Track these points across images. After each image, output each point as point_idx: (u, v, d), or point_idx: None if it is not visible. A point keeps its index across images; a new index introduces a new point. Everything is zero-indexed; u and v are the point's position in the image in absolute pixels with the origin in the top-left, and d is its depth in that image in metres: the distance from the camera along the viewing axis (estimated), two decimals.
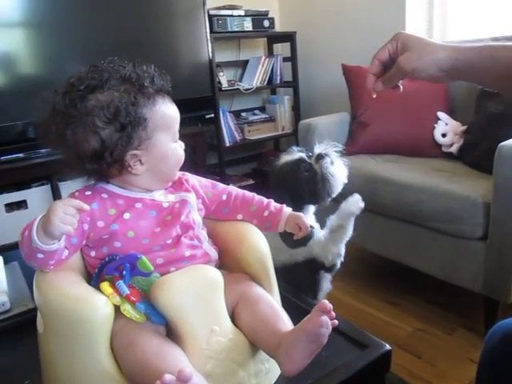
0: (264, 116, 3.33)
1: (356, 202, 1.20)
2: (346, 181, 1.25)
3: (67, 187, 2.23)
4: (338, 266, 1.25)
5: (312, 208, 1.29)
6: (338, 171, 1.23)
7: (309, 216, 1.27)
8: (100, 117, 0.71)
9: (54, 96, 0.74)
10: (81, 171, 0.78)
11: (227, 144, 3.04)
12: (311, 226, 1.16)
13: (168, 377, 0.55)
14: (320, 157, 1.23)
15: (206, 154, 2.85)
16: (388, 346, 0.83)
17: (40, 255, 0.69)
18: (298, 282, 1.20)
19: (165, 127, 0.78)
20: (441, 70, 0.73)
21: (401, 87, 0.82)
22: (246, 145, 3.25)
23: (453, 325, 1.72)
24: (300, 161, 1.24)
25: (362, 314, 1.84)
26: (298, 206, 1.20)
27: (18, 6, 2.15)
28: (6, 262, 1.23)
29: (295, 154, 1.27)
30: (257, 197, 0.92)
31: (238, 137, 3.13)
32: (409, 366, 1.53)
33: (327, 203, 1.26)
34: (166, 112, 0.78)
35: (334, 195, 1.24)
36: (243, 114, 3.33)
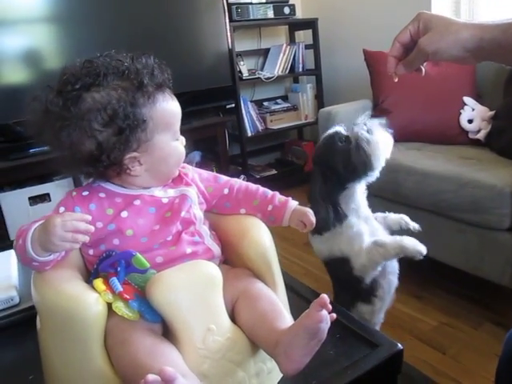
0: (286, 105, 3.28)
1: (417, 247, 1.12)
2: (388, 150, 1.15)
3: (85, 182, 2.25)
4: (367, 282, 1.16)
5: (359, 187, 1.17)
6: (377, 139, 1.12)
7: (357, 195, 1.17)
8: (97, 120, 0.68)
9: (47, 94, 0.70)
10: (77, 172, 0.75)
11: (249, 134, 3.01)
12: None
13: (151, 377, 0.52)
14: (356, 126, 1.15)
15: (227, 144, 2.82)
16: (400, 346, 0.79)
17: (35, 263, 0.68)
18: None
19: (165, 126, 0.74)
20: (465, 50, 0.69)
21: (423, 70, 0.78)
22: (269, 134, 3.22)
23: (479, 319, 1.66)
24: (336, 133, 1.15)
25: None
26: (341, 186, 1.14)
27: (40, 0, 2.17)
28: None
29: (334, 128, 1.18)
30: (261, 189, 0.87)
31: (260, 126, 3.09)
32: (432, 362, 1.48)
33: (372, 178, 1.16)
34: (167, 110, 0.74)
35: (375, 168, 1.13)
36: (265, 104, 3.29)
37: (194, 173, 0.85)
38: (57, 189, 2.25)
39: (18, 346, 0.93)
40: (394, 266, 1.21)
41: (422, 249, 1.11)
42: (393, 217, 1.24)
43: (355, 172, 1.12)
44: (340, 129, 1.16)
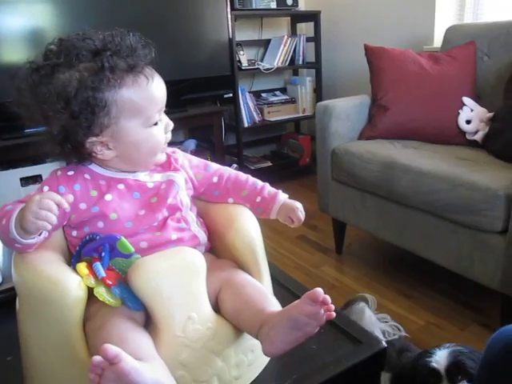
0: (285, 97, 3.25)
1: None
2: None
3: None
4: None
5: None
6: None
7: None
8: (57, 102, 0.65)
9: (22, 72, 0.68)
10: (55, 152, 0.72)
11: (246, 125, 2.99)
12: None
13: (96, 358, 0.52)
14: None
15: (223, 134, 2.80)
16: (384, 344, 0.78)
17: (17, 245, 0.67)
18: None
19: (134, 112, 0.70)
20: None
21: None
22: (265, 126, 3.19)
23: (466, 320, 1.65)
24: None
25: None
26: None
27: None
28: None
29: None
30: (251, 180, 0.85)
31: (257, 118, 3.07)
32: None
33: None
34: (136, 95, 0.69)
35: None
36: (263, 95, 3.26)
37: (184, 159, 0.83)
38: (49, 170, 2.22)
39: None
40: None
41: None
42: None
43: None
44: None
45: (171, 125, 0.77)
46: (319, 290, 0.60)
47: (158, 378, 0.56)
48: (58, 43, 0.69)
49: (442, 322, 1.66)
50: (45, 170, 2.25)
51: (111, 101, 0.67)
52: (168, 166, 0.80)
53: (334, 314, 0.61)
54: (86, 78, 0.66)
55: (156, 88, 0.72)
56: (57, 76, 0.66)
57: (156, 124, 0.73)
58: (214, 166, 0.86)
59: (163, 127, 0.75)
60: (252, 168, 3.06)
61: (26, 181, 2.25)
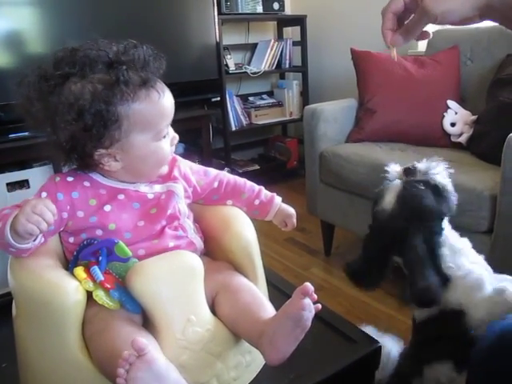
0: (272, 101, 3.27)
1: None
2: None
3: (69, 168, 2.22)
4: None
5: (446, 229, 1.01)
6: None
7: (450, 237, 1.01)
8: (68, 113, 0.65)
9: (31, 78, 0.68)
10: (58, 158, 0.73)
11: (233, 128, 3.00)
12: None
13: (126, 352, 0.54)
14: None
15: (211, 138, 2.81)
16: (378, 343, 0.79)
17: (12, 249, 0.66)
18: None
19: (145, 126, 0.70)
20: (475, 9, 0.63)
21: (430, 33, 0.71)
22: (253, 129, 3.21)
23: None
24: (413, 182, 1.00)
25: (363, 305, 1.80)
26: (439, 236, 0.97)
27: None
28: None
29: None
30: (248, 184, 0.88)
31: (244, 121, 3.08)
32: None
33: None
34: (148, 109, 0.69)
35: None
36: (251, 99, 3.28)
37: (186, 167, 0.84)
38: (36, 175, 2.21)
39: None
40: None
41: None
42: None
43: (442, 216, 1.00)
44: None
45: (177, 138, 0.77)
46: (308, 284, 0.63)
47: (180, 377, 0.59)
48: (71, 52, 0.68)
49: None
50: (32, 174, 2.23)
51: (124, 115, 0.67)
52: (168, 176, 0.79)
53: (320, 306, 0.64)
54: (99, 91, 0.65)
55: (166, 102, 0.72)
56: (68, 86, 0.65)
57: (164, 137, 0.74)
58: (213, 171, 0.87)
59: (170, 140, 0.76)
60: (240, 171, 3.06)
61: (12, 186, 2.22)
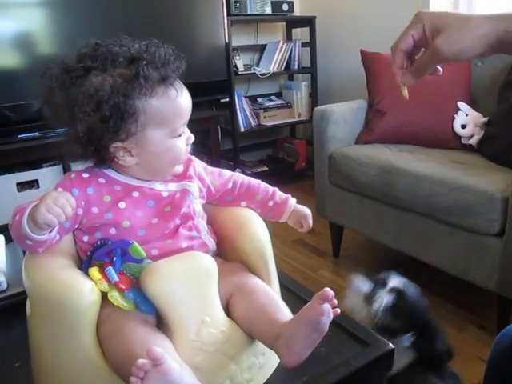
0: (280, 102, 3.28)
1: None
2: None
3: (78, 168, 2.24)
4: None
5: None
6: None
7: None
8: (87, 104, 0.66)
9: (54, 70, 0.69)
10: (76, 153, 0.73)
11: (242, 129, 3.00)
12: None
13: (141, 361, 0.53)
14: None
15: (219, 139, 2.81)
16: (391, 345, 0.79)
17: (29, 242, 0.66)
18: None
19: (161, 122, 0.70)
20: (486, 45, 0.64)
21: (440, 70, 0.71)
22: (261, 131, 3.21)
23: (463, 322, 1.67)
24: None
25: None
26: None
27: None
28: (8, 242, 1.21)
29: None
30: (262, 185, 0.88)
31: (253, 122, 3.09)
32: None
33: None
34: (165, 106, 0.69)
35: None
36: (259, 100, 3.28)
37: (200, 167, 0.84)
38: (46, 175, 2.22)
39: (5, 333, 0.91)
40: None
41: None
42: None
43: None
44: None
45: (192, 138, 0.78)
46: (328, 289, 0.63)
47: (195, 380, 0.59)
48: (94, 47, 0.69)
49: (439, 324, 1.67)
50: (41, 174, 2.25)
51: (141, 109, 0.68)
52: (183, 175, 0.80)
53: (339, 310, 0.64)
54: (119, 84, 0.66)
55: (184, 101, 0.73)
56: (90, 78, 0.67)
57: (180, 136, 0.74)
58: (227, 172, 0.87)
59: (185, 139, 0.76)
60: (248, 172, 3.07)
61: (22, 186, 2.24)
